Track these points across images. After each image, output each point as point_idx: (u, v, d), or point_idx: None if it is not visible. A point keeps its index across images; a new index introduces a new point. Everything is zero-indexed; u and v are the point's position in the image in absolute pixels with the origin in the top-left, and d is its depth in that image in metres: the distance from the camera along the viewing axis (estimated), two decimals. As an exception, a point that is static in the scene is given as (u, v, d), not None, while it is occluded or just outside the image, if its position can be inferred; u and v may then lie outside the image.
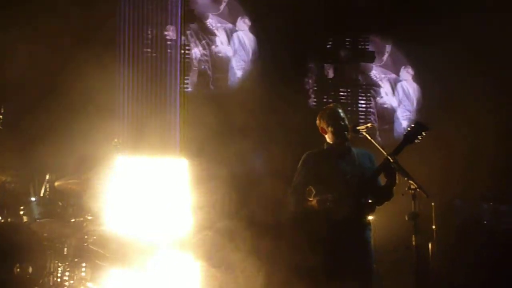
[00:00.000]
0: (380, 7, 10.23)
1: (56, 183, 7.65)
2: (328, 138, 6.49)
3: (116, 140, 7.82)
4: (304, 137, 8.24)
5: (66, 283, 7.25)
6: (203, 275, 7.65)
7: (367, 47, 10.69)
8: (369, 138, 6.26)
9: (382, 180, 6.34)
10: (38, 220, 7.51)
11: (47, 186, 7.78)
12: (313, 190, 6.43)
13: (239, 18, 10.17)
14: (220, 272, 7.72)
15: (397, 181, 6.19)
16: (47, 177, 7.80)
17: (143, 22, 9.47)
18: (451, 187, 9.07)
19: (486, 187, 9.23)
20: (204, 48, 9.97)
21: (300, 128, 8.97)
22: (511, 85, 9.76)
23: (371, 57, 10.66)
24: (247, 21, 10.19)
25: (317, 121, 6.55)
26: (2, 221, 7.49)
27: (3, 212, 7.52)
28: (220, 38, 10.08)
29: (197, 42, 9.93)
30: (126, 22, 9.35)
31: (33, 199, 7.65)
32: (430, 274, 7.67)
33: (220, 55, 10.07)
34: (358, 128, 6.36)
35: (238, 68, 10.12)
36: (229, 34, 10.13)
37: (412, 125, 6.28)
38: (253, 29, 10.21)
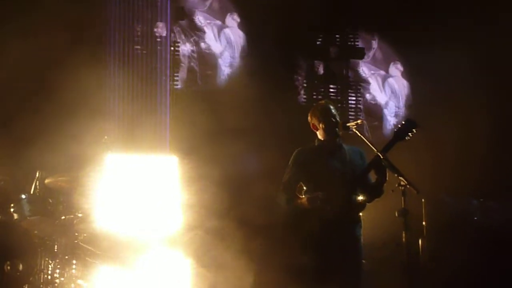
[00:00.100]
0: (369, 3, 10.22)
1: (46, 181, 7.62)
2: (319, 134, 6.48)
3: (106, 137, 7.82)
4: (294, 134, 8.23)
5: (57, 281, 7.26)
6: (193, 274, 7.65)
7: (356, 43, 10.69)
8: (359, 134, 6.24)
9: (373, 177, 6.35)
10: (28, 218, 7.48)
11: (37, 183, 7.76)
12: (304, 187, 6.42)
13: (228, 14, 10.15)
14: (209, 271, 7.72)
15: (387, 178, 6.21)
16: (38, 174, 7.78)
17: (133, 19, 9.45)
18: (441, 184, 9.08)
19: (476, 183, 9.25)
20: (192, 45, 9.95)
21: (290, 125, 8.97)
22: (501, 81, 9.79)
23: (361, 54, 10.66)
24: (236, 17, 10.16)
25: (309, 118, 6.53)
26: (-8, 218, 7.49)
27: (-7, 209, 7.53)
28: (209, 34, 10.06)
29: (186, 38, 9.91)
30: (116, 19, 9.33)
31: (23, 196, 7.61)
32: (420, 271, 7.70)
33: (208, 51, 10.05)
34: (348, 124, 6.35)
35: (227, 65, 10.10)
36: (218, 31, 10.11)
37: (403, 122, 6.29)
38: (242, 25, 10.19)
